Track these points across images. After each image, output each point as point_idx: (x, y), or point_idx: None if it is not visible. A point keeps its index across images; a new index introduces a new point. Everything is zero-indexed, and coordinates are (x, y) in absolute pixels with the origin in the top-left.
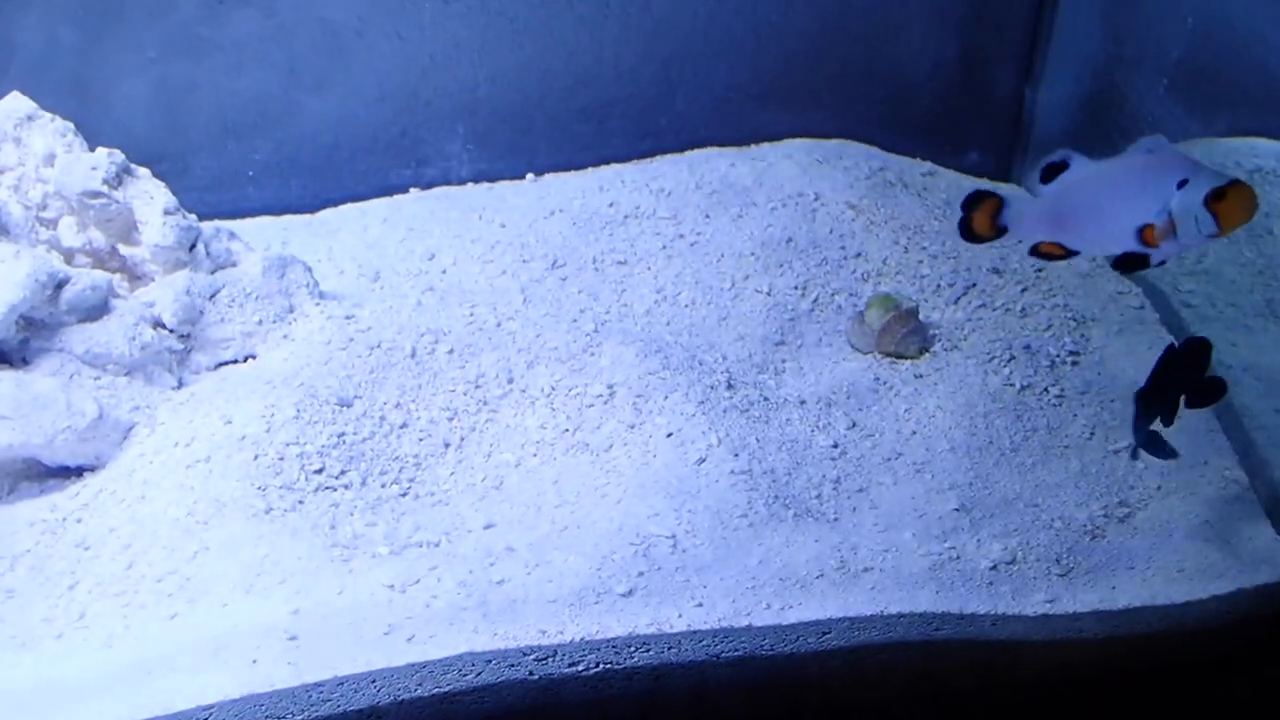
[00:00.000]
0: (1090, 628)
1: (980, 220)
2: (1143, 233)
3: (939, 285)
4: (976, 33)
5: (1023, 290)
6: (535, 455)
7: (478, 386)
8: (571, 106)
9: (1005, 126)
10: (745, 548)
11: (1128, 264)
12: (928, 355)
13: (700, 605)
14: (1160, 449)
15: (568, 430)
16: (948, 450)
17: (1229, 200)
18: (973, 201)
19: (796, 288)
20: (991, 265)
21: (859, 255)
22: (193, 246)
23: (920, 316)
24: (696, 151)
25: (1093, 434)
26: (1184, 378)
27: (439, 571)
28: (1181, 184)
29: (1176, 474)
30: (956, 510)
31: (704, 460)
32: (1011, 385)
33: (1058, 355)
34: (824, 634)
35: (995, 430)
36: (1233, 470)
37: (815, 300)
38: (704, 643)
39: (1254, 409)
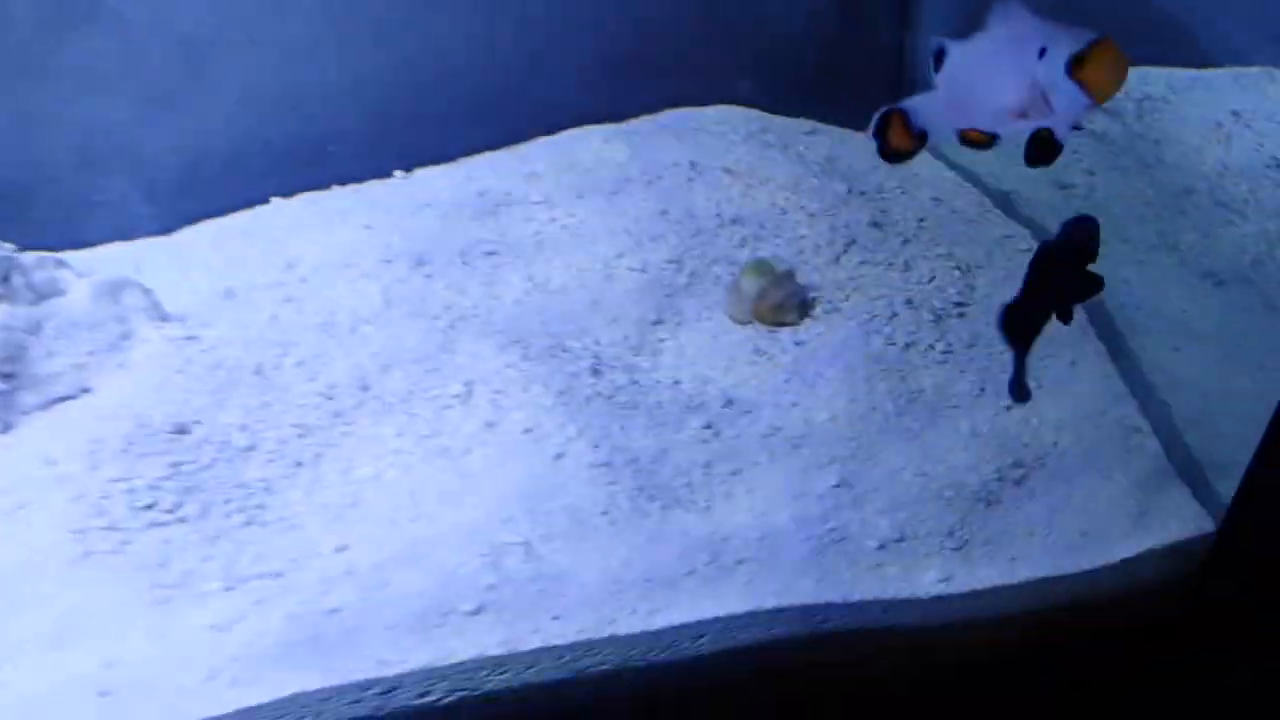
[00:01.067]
0: (990, 605)
1: (897, 137)
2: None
3: (818, 245)
4: None
5: (904, 242)
6: (393, 466)
7: (330, 398)
8: (441, 99)
9: (888, 76)
10: (607, 548)
11: (1039, 152)
12: (809, 320)
13: (558, 618)
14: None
15: (426, 435)
16: (828, 420)
17: (1090, 66)
18: (882, 124)
19: (672, 261)
20: (871, 219)
21: (735, 221)
22: (6, 278)
23: (798, 279)
24: (570, 131)
25: (982, 390)
26: (1069, 272)
27: (267, 605)
28: (1042, 53)
29: (1073, 426)
30: (837, 486)
31: (561, 455)
32: (894, 344)
33: (942, 308)
34: (698, 638)
35: (878, 395)
36: (1132, 417)
37: (692, 273)
38: (564, 659)
39: (1149, 348)
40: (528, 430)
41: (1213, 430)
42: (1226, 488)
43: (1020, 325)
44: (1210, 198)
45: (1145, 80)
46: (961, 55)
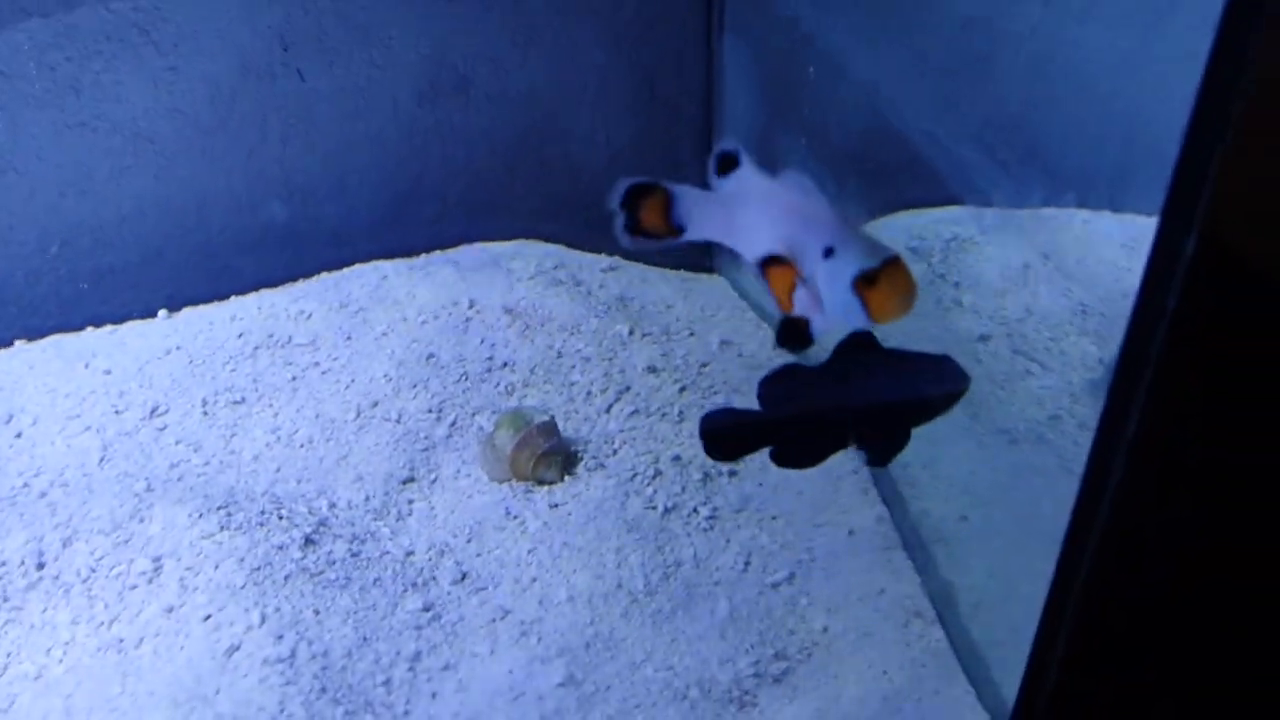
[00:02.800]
0: None
1: (650, 216)
2: (768, 272)
3: (590, 392)
4: (650, 115)
5: (681, 390)
6: (61, 661)
7: None
8: (228, 234)
9: None
10: None
11: (790, 338)
12: (569, 478)
13: None
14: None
15: (103, 624)
16: (565, 601)
17: (879, 287)
18: (636, 195)
19: (431, 411)
20: (649, 364)
21: (505, 365)
22: None
23: (559, 433)
24: (355, 267)
25: (748, 563)
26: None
27: None
28: (828, 252)
29: (846, 609)
30: (562, 685)
31: (236, 648)
32: (654, 508)
33: (712, 466)
34: None
35: (629, 568)
36: (914, 598)
37: (453, 424)
38: None
39: (935, 516)
40: (207, 617)
41: (1001, 617)
42: (1013, 688)
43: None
44: (1009, 345)
45: (956, 220)
46: (755, 185)
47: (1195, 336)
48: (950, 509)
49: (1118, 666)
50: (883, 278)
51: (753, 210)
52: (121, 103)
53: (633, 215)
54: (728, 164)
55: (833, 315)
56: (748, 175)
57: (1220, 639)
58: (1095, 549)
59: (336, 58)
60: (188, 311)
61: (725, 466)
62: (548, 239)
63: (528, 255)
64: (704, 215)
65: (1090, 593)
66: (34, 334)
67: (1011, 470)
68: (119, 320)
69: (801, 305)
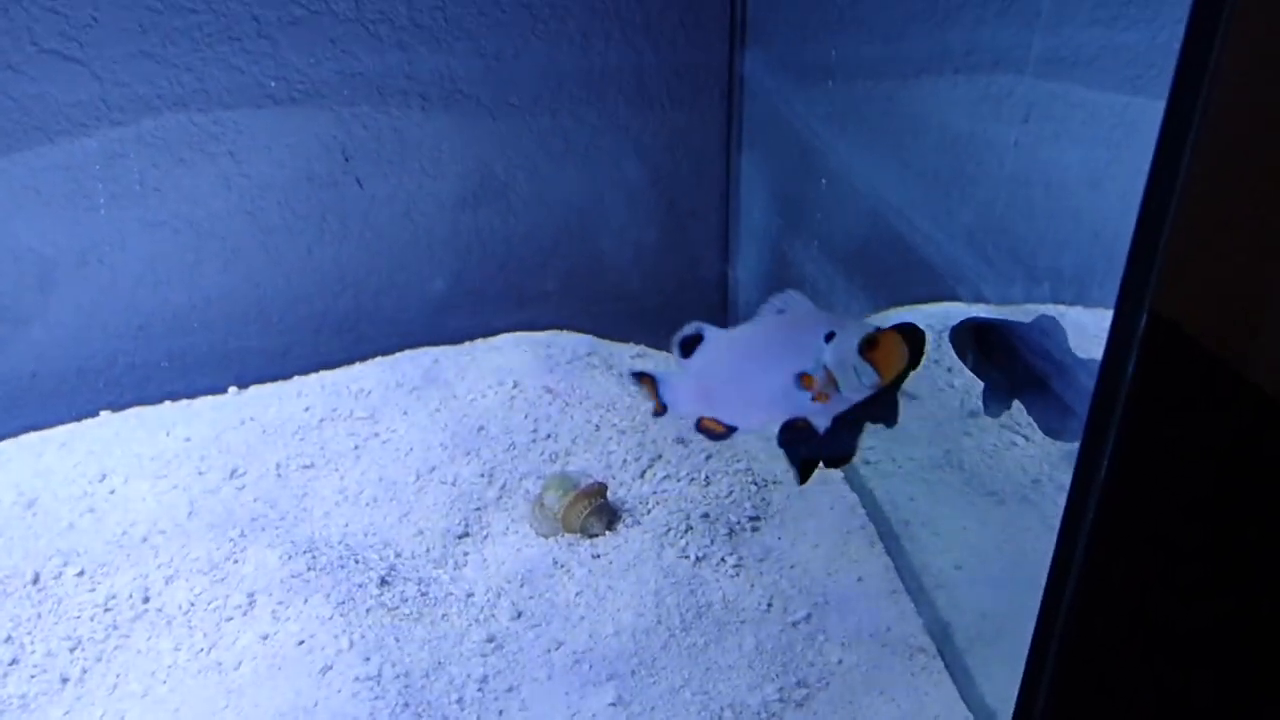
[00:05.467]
0: None
1: (654, 398)
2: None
3: (625, 460)
4: (673, 221)
5: (707, 458)
6: (165, 683)
7: (107, 610)
8: (286, 320)
9: (715, 305)
10: None
11: (803, 455)
12: (609, 534)
13: None
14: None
15: (202, 650)
16: (612, 635)
17: (883, 346)
18: (639, 379)
19: (483, 475)
20: (678, 435)
21: (549, 437)
22: None
23: (606, 495)
24: (405, 352)
25: (770, 604)
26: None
27: None
28: (829, 337)
29: (858, 645)
30: (613, 705)
31: (329, 668)
32: (687, 558)
33: (737, 522)
34: None
35: (666, 608)
36: (917, 636)
37: (503, 487)
38: None
39: (933, 566)
40: (301, 643)
41: (995, 653)
42: (1007, 713)
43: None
44: (996, 422)
45: (949, 314)
46: (724, 341)
47: (1150, 401)
48: (947, 560)
49: (1098, 690)
50: (881, 340)
51: (725, 371)
52: (198, 204)
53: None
54: (690, 345)
55: (848, 384)
56: (713, 343)
57: (1192, 667)
58: (1073, 590)
59: (391, 168)
60: (255, 389)
61: (749, 522)
62: (580, 330)
63: (563, 343)
64: (678, 395)
65: (1070, 627)
66: (117, 406)
67: (999, 526)
68: (193, 395)
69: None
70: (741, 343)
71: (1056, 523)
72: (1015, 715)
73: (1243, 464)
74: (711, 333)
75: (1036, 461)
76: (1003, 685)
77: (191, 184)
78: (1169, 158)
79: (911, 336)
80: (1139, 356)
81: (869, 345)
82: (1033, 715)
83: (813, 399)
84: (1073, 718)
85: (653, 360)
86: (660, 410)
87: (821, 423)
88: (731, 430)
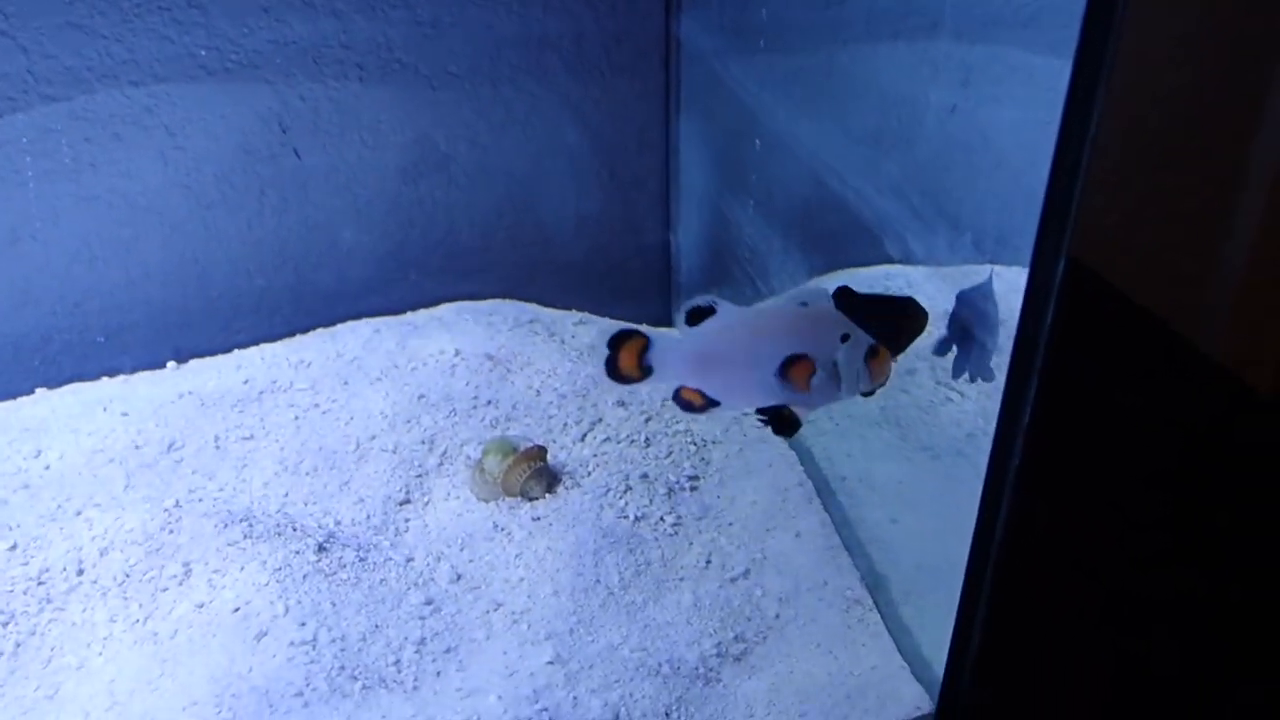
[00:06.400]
0: None
1: (626, 360)
2: (789, 370)
3: (565, 424)
4: (615, 188)
5: (647, 420)
6: (100, 654)
7: (41, 583)
8: (225, 294)
9: (658, 271)
10: None
11: (784, 425)
12: (549, 496)
13: None
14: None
15: (137, 621)
16: (551, 595)
17: (879, 360)
18: (618, 341)
19: (424, 443)
20: (618, 399)
21: (490, 403)
22: None
23: (546, 458)
24: (346, 324)
25: (709, 562)
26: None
27: None
28: (844, 338)
29: (795, 599)
30: (551, 663)
31: (265, 634)
32: (626, 518)
33: (676, 481)
34: None
35: (604, 568)
36: (854, 590)
37: (444, 453)
38: None
39: (869, 520)
40: (236, 610)
41: (929, 605)
42: (941, 661)
43: None
44: (932, 377)
45: (888, 276)
46: (737, 318)
47: (1070, 346)
48: (883, 514)
49: (1029, 634)
50: (880, 351)
51: (741, 350)
52: (133, 179)
53: (613, 359)
54: (698, 315)
55: (850, 382)
56: (726, 317)
57: (1114, 603)
58: (1000, 538)
59: (329, 139)
60: (195, 363)
61: (688, 481)
62: (523, 299)
63: (505, 312)
64: (671, 359)
65: (999, 575)
66: (53, 383)
67: (934, 480)
68: (131, 371)
69: (819, 387)
70: (757, 322)
71: None
72: (948, 663)
73: (1161, 405)
74: (726, 307)
75: (971, 416)
76: (938, 636)
77: (126, 158)
78: (1080, 108)
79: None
80: (1058, 302)
81: (871, 354)
82: (965, 663)
83: (796, 390)
84: (1004, 663)
85: (598, 326)
86: (624, 376)
87: (805, 413)
88: (711, 405)
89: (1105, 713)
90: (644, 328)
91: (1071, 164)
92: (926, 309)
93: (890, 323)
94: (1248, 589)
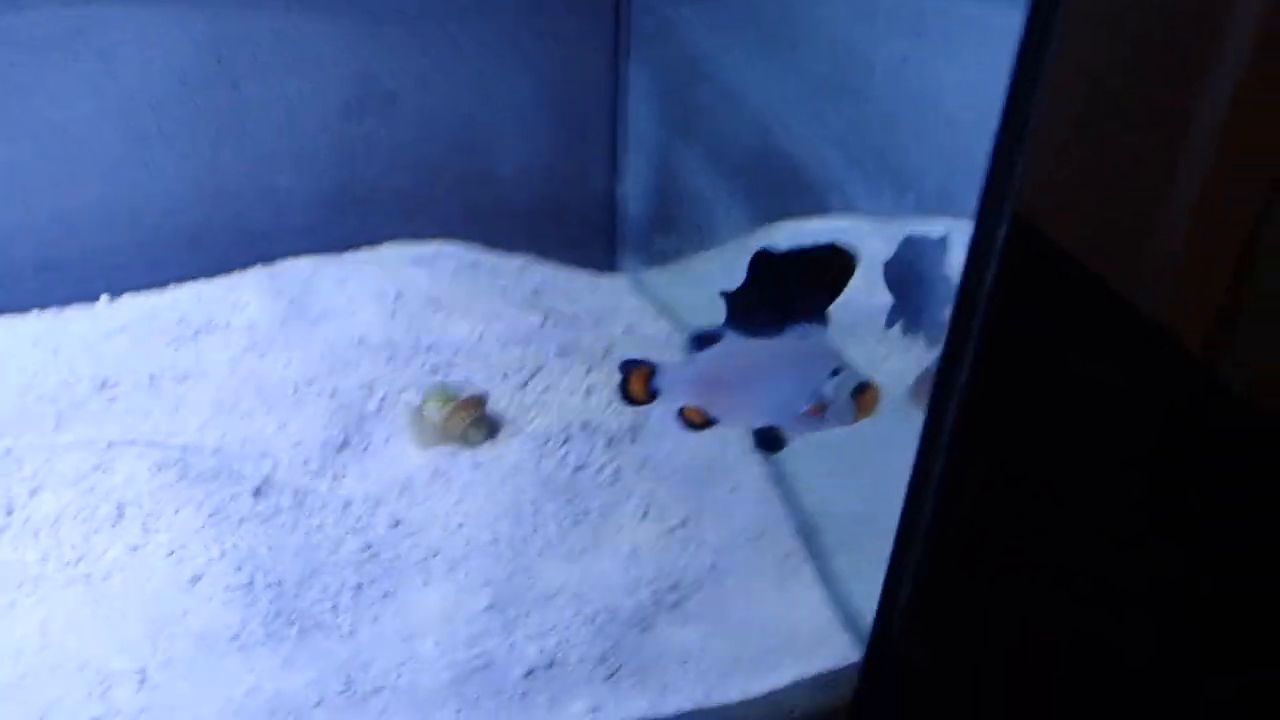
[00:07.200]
0: None
1: (635, 385)
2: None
3: (507, 372)
4: (562, 131)
5: (588, 370)
6: (31, 595)
7: None
8: (161, 231)
9: (603, 216)
10: (232, 676)
11: (769, 443)
12: (490, 444)
13: None
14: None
15: (69, 562)
16: (489, 542)
17: (867, 396)
18: (628, 368)
19: (363, 387)
20: (560, 348)
21: (430, 349)
22: None
23: (486, 405)
24: (285, 262)
25: (646, 512)
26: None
27: None
28: (835, 372)
29: (731, 550)
30: (488, 609)
31: (200, 578)
32: (566, 466)
33: (617, 431)
34: None
35: (543, 516)
36: (788, 541)
37: (383, 398)
38: None
39: (805, 472)
40: (171, 553)
41: (862, 556)
42: (871, 610)
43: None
44: (872, 335)
45: (836, 230)
46: (742, 347)
47: (1012, 300)
48: (820, 466)
49: (964, 592)
50: (868, 389)
51: (740, 375)
52: (64, 108)
53: (625, 383)
54: (706, 341)
55: (835, 416)
56: (731, 344)
57: (1052, 565)
58: (935, 491)
59: (270, 72)
60: (129, 298)
61: (628, 432)
62: (467, 241)
63: (448, 254)
64: (677, 386)
65: (933, 532)
66: None
67: (873, 435)
68: (63, 305)
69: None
70: (758, 352)
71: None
72: (877, 615)
73: (1100, 365)
74: (733, 336)
75: (913, 369)
76: (869, 589)
77: (56, 86)
78: (1029, 62)
79: (840, 255)
80: (1001, 259)
81: (859, 390)
82: (893, 616)
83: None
84: (938, 620)
85: (542, 270)
86: (634, 399)
87: (795, 438)
88: (710, 423)
89: (1042, 675)
90: (652, 357)
91: (1020, 121)
92: (852, 250)
93: (816, 273)
94: (1189, 549)
